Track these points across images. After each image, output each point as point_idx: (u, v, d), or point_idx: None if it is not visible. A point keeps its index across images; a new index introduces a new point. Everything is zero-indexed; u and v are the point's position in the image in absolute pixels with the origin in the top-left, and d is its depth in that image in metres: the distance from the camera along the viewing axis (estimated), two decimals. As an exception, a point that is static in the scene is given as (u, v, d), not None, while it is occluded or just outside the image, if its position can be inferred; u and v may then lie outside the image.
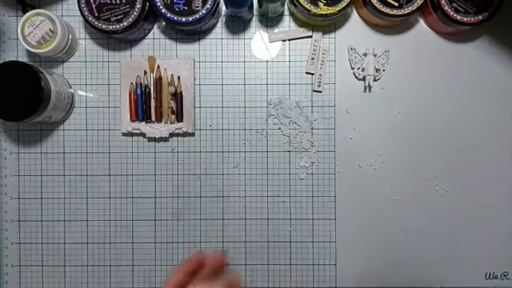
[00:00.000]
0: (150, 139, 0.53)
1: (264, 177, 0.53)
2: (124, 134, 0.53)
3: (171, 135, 0.53)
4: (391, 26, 0.53)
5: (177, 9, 0.48)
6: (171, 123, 0.52)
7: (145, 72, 0.52)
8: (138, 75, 0.52)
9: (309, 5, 0.48)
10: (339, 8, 0.48)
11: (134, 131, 0.52)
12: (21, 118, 0.45)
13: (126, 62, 0.52)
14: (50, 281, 0.53)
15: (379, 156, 0.53)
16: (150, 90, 0.52)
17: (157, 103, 0.52)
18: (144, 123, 0.52)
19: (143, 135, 0.53)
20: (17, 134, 0.53)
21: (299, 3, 0.48)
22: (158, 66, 0.52)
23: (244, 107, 0.53)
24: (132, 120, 0.52)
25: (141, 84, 0.52)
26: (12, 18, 0.53)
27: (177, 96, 0.52)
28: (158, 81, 0.51)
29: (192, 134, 0.53)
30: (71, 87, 0.53)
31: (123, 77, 0.52)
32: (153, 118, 0.52)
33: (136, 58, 0.53)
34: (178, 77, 0.52)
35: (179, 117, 0.52)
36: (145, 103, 0.52)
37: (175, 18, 0.48)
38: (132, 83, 0.52)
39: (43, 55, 0.49)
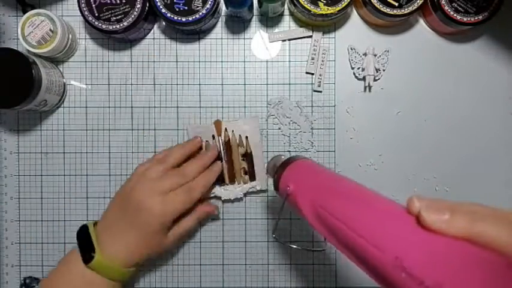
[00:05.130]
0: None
1: (264, 177, 0.53)
2: None
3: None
4: (391, 26, 0.53)
5: (177, 9, 0.48)
6: (244, 183, 0.52)
7: (213, 137, 0.52)
8: (206, 141, 0.52)
9: (309, 5, 0.48)
10: (339, 8, 0.48)
11: (210, 195, 0.52)
12: (18, 103, 0.45)
13: (192, 128, 0.52)
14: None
15: (379, 156, 0.53)
16: (220, 153, 0.51)
17: (229, 165, 0.51)
18: (218, 186, 0.52)
19: (218, 198, 0.52)
20: (17, 134, 0.53)
21: (299, 3, 0.48)
22: (226, 129, 0.52)
23: (244, 107, 0.53)
24: None
25: None
26: (12, 18, 0.53)
27: (248, 157, 0.52)
28: (227, 144, 0.51)
29: (265, 191, 0.53)
30: (60, 72, 0.53)
31: None
32: (227, 180, 0.52)
33: (202, 123, 0.53)
34: (246, 137, 0.52)
35: (252, 177, 0.52)
36: None
37: (175, 18, 0.48)
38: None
39: (43, 55, 0.49)
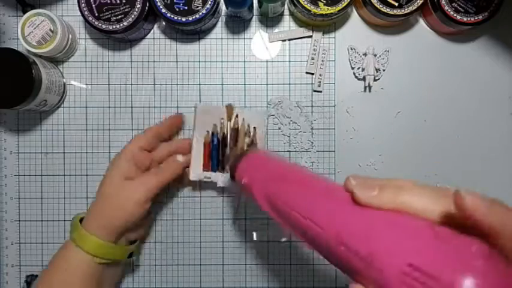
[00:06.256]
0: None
1: (264, 177, 0.53)
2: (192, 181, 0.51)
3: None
4: (391, 26, 0.53)
5: (177, 9, 0.48)
6: None
7: (221, 121, 0.50)
8: (214, 124, 0.50)
9: (309, 5, 0.48)
10: (339, 8, 0.48)
11: (205, 179, 0.50)
12: (18, 103, 0.45)
13: (202, 107, 0.50)
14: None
15: (379, 156, 0.53)
16: (226, 139, 0.50)
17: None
18: (216, 172, 0.50)
19: (213, 183, 0.51)
20: (17, 134, 0.53)
21: (299, 3, 0.48)
22: (237, 116, 0.50)
23: (244, 107, 0.53)
24: (204, 170, 0.50)
25: (217, 133, 0.50)
26: (12, 18, 0.53)
27: (252, 148, 0.50)
28: (234, 131, 0.50)
29: None
30: (60, 71, 0.53)
31: (198, 123, 0.50)
32: (226, 167, 0.50)
33: (213, 104, 0.52)
34: (255, 128, 0.51)
35: None
36: (220, 153, 0.50)
37: (175, 18, 0.48)
38: (208, 132, 0.50)
39: (43, 55, 0.49)
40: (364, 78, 0.52)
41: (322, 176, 0.33)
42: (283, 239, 0.50)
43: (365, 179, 0.26)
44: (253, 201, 0.37)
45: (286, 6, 0.53)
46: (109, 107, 0.53)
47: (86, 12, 0.48)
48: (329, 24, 0.53)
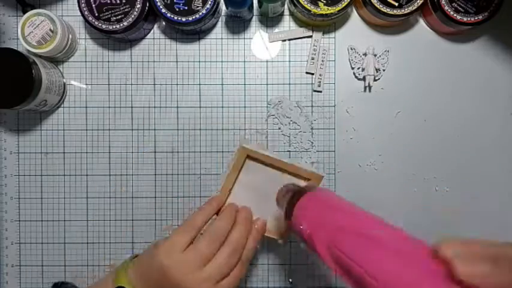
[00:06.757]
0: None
1: (264, 177, 0.53)
2: None
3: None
4: (391, 26, 0.53)
5: (177, 9, 0.48)
6: None
7: None
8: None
9: (309, 5, 0.48)
10: (339, 8, 0.48)
11: None
12: (18, 103, 0.45)
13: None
14: (50, 281, 0.53)
15: (379, 156, 0.53)
16: None
17: None
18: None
19: None
20: (17, 134, 0.53)
21: (299, 3, 0.48)
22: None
23: (244, 107, 0.53)
24: None
25: None
26: (12, 18, 0.53)
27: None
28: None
29: None
30: (60, 71, 0.53)
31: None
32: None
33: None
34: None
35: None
36: None
37: (175, 18, 0.48)
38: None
39: (43, 55, 0.49)
40: (364, 78, 0.52)
41: (396, 227, 0.28)
42: (280, 241, 0.49)
43: (464, 245, 0.18)
44: (311, 249, 0.32)
45: (286, 6, 0.53)
46: (109, 107, 0.53)
47: (86, 12, 0.48)
48: (329, 24, 0.53)
